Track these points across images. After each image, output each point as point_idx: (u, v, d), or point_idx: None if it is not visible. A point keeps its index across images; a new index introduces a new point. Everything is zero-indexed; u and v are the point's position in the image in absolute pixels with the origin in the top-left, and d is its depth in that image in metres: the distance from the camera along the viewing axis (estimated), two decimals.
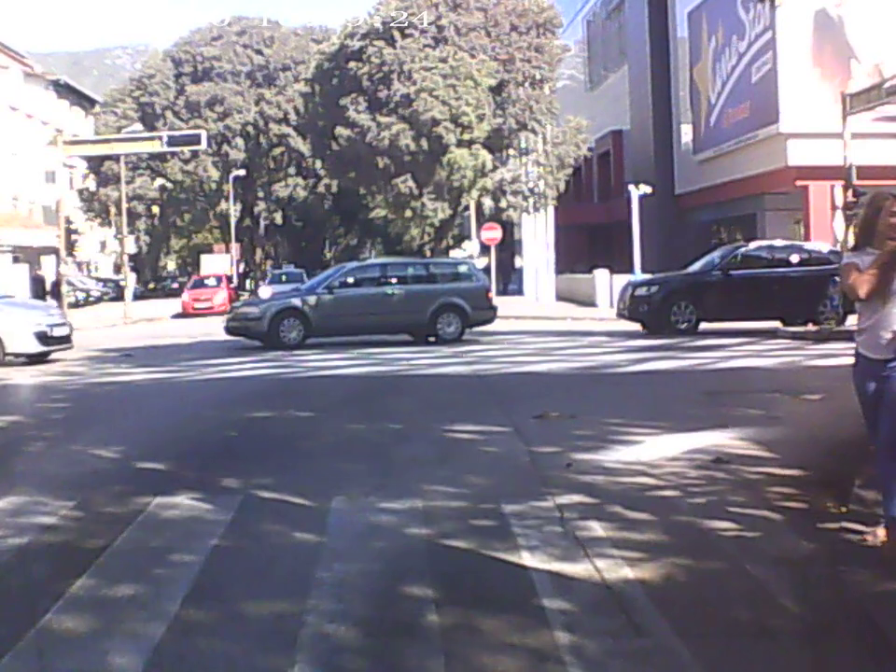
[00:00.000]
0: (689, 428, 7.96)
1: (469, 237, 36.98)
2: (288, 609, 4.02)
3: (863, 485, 5.70)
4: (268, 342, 17.96)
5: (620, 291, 21.34)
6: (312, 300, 18.31)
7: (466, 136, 32.91)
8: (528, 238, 42.99)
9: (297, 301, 18.41)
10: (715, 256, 20.49)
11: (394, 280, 19.07)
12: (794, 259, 19.61)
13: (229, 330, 18.87)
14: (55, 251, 37.35)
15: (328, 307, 18.24)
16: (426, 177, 33.84)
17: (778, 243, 21.71)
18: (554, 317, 26.35)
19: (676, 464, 6.64)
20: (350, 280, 18.92)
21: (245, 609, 4.07)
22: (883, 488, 4.74)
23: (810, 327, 18.82)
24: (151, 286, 63.87)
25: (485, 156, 33.79)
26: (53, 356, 16.62)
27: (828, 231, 23.57)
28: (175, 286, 59.35)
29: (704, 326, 18.87)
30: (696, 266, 20.76)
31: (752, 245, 21.06)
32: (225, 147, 52.38)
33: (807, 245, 21.30)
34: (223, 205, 53.00)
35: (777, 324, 19.24)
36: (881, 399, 4.67)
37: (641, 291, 19.66)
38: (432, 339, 18.55)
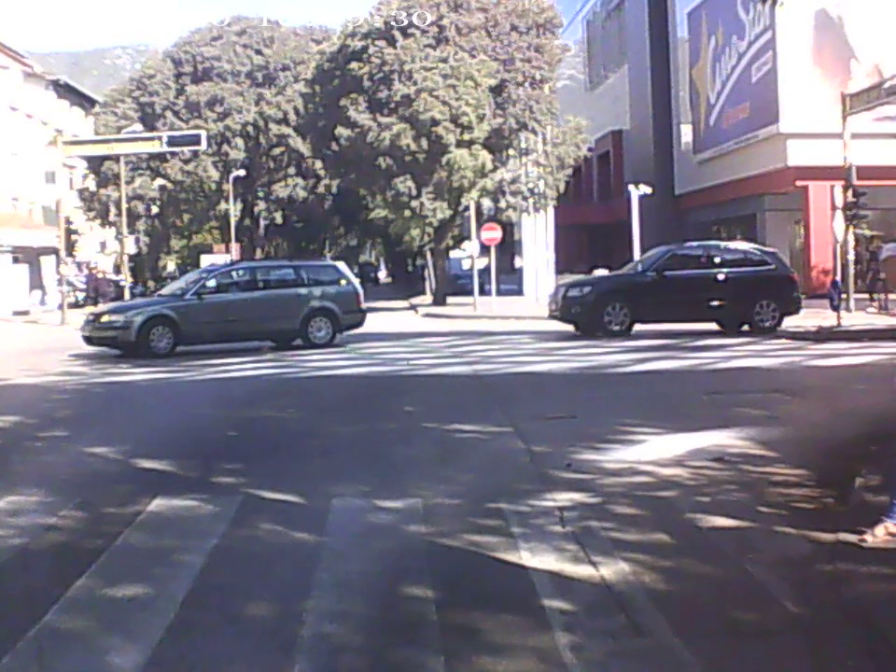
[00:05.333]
0: (689, 428, 7.96)
1: (468, 237, 36.96)
2: (288, 609, 4.02)
3: (863, 485, 5.70)
4: (135, 351, 16.96)
5: (552, 292, 20.75)
6: (181, 306, 17.52)
7: (466, 137, 32.86)
8: (528, 238, 42.98)
9: (166, 308, 17.53)
10: (651, 256, 20.08)
11: (264, 284, 18.60)
12: (718, 259, 19.21)
13: (88, 340, 17.70)
14: (55, 251, 37.33)
15: (197, 314, 17.47)
16: (426, 178, 33.80)
17: (717, 243, 21.45)
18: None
19: (676, 464, 6.64)
20: (219, 285, 18.15)
21: (245, 609, 4.07)
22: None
23: (745, 329, 18.53)
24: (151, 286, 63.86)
25: (485, 156, 33.75)
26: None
27: (828, 231, 23.56)
28: None
29: (638, 327, 18.58)
30: (631, 266, 20.34)
31: (690, 244, 20.57)
32: (225, 147, 52.35)
33: (743, 246, 20.80)
34: (223, 205, 52.98)
35: (713, 325, 19.03)
36: None
37: (574, 292, 19.20)
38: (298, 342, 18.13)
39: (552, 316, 19.91)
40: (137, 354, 16.92)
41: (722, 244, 21.50)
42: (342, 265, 20.15)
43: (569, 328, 19.36)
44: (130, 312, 17.85)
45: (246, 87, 53.75)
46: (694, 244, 21.22)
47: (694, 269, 19.12)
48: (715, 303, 18.58)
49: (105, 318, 17.76)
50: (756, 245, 20.92)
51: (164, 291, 20.90)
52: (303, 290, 18.43)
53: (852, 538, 4.78)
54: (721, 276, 18.76)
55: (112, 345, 17.46)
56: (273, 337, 18.43)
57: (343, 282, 19.03)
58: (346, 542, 4.99)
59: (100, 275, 34.96)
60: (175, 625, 3.86)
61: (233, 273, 19.02)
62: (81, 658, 3.60)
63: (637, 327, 18.74)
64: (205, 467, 7.05)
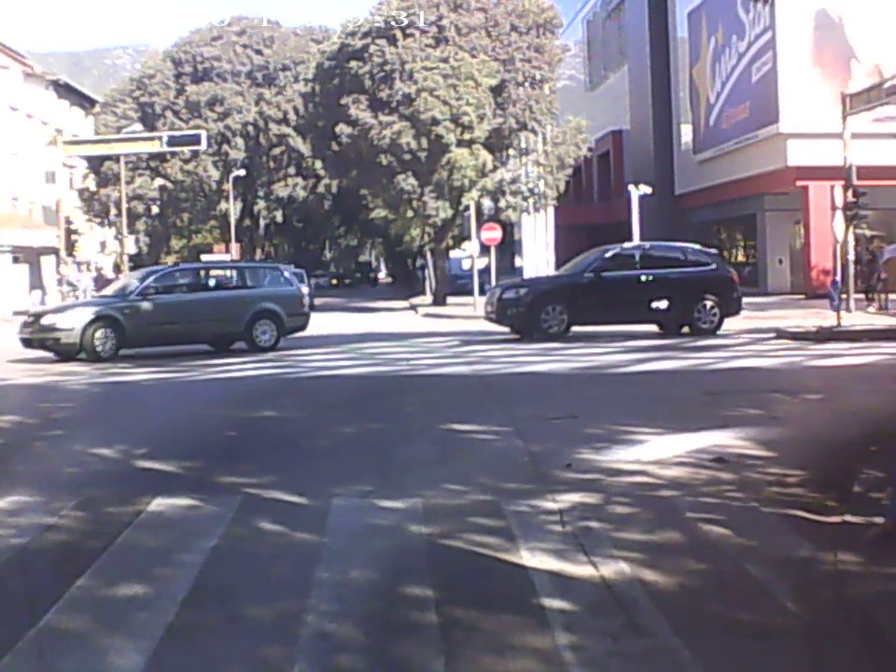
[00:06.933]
0: (689, 428, 7.96)
1: (468, 237, 36.97)
2: (288, 609, 4.02)
3: (863, 485, 5.70)
4: (76, 354, 16.38)
5: (488, 294, 20.31)
6: (126, 307, 16.87)
7: (466, 136, 32.89)
8: (528, 238, 43.00)
9: (110, 309, 16.78)
10: (588, 257, 19.77)
11: (208, 286, 18.20)
12: (657, 260, 18.99)
13: (28, 343, 16.82)
14: (55, 251, 37.38)
15: (142, 315, 16.90)
16: (426, 177, 33.83)
17: (655, 243, 21.22)
18: None
19: (676, 464, 6.64)
20: (163, 286, 17.59)
21: (245, 609, 4.07)
22: None
23: (686, 331, 18.39)
24: None
25: (486, 156, 33.78)
26: None
27: (828, 231, 23.56)
28: None
29: (576, 329, 18.47)
30: (568, 267, 20.05)
31: (627, 245, 20.16)
32: (225, 147, 52.38)
33: (683, 246, 20.43)
34: (223, 205, 53.02)
35: (653, 327, 18.91)
36: None
37: (510, 294, 18.86)
38: (238, 346, 17.80)
39: (487, 318, 19.56)
40: (79, 358, 16.29)
41: (662, 243, 21.23)
42: (284, 267, 19.81)
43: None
44: (72, 312, 17.03)
45: (246, 87, 53.79)
46: (631, 244, 20.77)
47: (633, 270, 18.83)
48: (654, 304, 18.33)
49: (46, 320, 16.90)
50: (696, 246, 20.49)
51: (106, 291, 20.05)
52: (248, 292, 18.07)
53: (852, 537, 4.78)
54: (659, 277, 18.54)
55: (53, 348, 16.66)
56: (218, 339, 17.90)
57: (287, 283, 18.84)
58: (346, 542, 4.99)
59: (110, 276, 34.98)
60: (174, 625, 3.86)
61: (177, 274, 18.50)
62: (81, 658, 3.60)
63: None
64: (206, 467, 7.05)
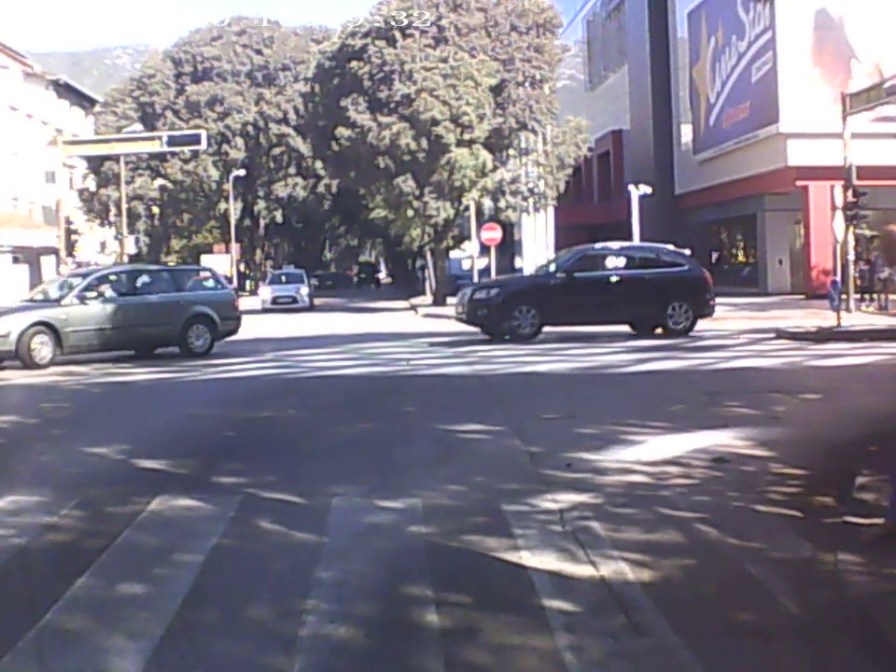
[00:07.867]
0: (689, 428, 7.96)
1: (468, 237, 36.93)
2: (288, 609, 4.02)
3: (863, 485, 5.70)
4: (12, 361, 15.48)
5: (459, 295, 20.24)
6: (62, 312, 16.01)
7: (466, 136, 32.88)
8: (528, 238, 42.97)
9: (46, 315, 15.88)
10: (561, 257, 19.60)
11: (143, 289, 17.51)
12: (611, 262, 18.85)
13: None
14: (55, 251, 37.33)
15: (79, 321, 16.10)
16: (426, 177, 33.81)
17: (627, 244, 21.01)
18: None
19: (676, 464, 6.64)
20: (97, 290, 16.75)
21: (245, 609, 4.07)
22: None
23: (659, 332, 18.31)
24: None
25: (486, 156, 33.76)
26: None
27: (828, 231, 23.56)
28: None
29: (548, 329, 18.43)
30: (542, 267, 19.81)
31: (600, 245, 20.01)
32: (225, 147, 52.39)
33: (656, 247, 20.22)
34: (223, 205, 53.02)
35: (626, 327, 18.83)
36: None
37: (481, 294, 18.70)
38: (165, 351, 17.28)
39: (458, 319, 19.43)
40: (3, 367, 15.49)
41: (635, 244, 21.09)
42: (216, 270, 19.54)
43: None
44: (9, 317, 15.85)
45: (246, 87, 53.81)
46: (604, 244, 20.62)
47: (605, 270, 18.75)
48: (626, 305, 18.25)
49: None
50: (670, 246, 20.29)
51: (36, 296, 18.34)
52: (182, 295, 17.55)
53: (852, 537, 4.78)
54: (632, 278, 18.45)
55: None
56: (151, 345, 17.30)
57: (219, 286, 18.67)
58: (346, 542, 4.99)
59: None
60: (175, 625, 3.86)
61: (111, 277, 17.65)
62: (81, 658, 3.60)
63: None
64: (205, 467, 7.05)
